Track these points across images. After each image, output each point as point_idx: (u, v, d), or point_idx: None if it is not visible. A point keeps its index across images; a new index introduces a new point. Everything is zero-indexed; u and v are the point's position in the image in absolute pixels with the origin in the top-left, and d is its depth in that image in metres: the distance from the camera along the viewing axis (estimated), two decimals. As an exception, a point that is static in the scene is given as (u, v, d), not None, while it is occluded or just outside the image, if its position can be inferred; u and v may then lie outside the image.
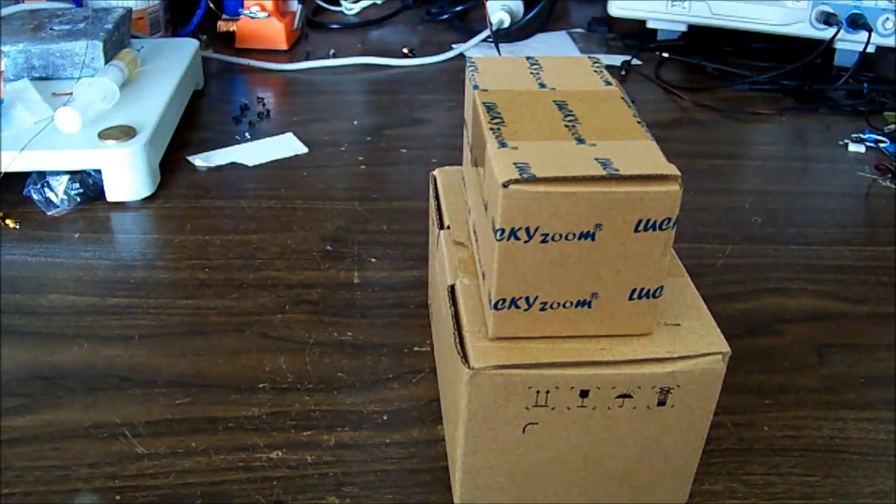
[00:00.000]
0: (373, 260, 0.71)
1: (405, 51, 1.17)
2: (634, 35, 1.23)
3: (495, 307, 0.41)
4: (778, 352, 0.61)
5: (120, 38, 0.93)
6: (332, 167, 0.86)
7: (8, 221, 0.74)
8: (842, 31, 1.03)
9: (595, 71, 0.49)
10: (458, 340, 0.42)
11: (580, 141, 0.40)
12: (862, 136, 0.94)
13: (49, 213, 0.76)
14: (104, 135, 0.77)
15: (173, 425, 0.53)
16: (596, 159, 0.38)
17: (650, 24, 1.19)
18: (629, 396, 0.41)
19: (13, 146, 0.74)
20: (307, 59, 1.15)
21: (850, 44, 1.06)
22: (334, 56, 1.16)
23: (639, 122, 0.43)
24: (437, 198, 0.55)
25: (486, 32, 1.18)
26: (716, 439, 0.52)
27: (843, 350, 0.62)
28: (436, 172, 0.58)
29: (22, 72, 0.87)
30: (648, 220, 0.38)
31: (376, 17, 1.32)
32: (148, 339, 0.60)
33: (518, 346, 0.41)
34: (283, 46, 1.17)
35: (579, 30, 1.29)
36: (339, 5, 1.34)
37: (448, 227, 0.51)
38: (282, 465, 0.50)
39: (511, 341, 0.42)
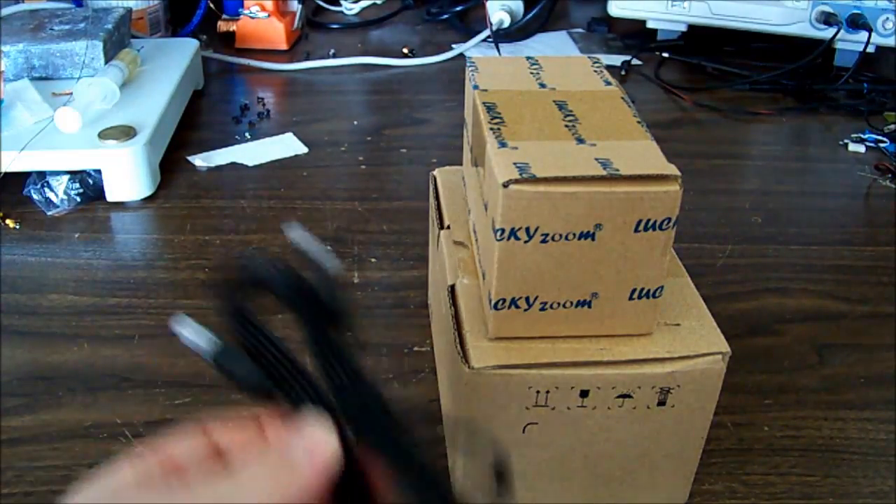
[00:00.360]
0: (373, 260, 0.70)
1: (405, 51, 1.17)
2: (634, 35, 1.23)
3: (495, 307, 0.40)
4: (778, 352, 0.61)
5: (120, 38, 0.93)
6: (332, 167, 0.86)
7: (8, 221, 0.74)
8: (842, 31, 1.03)
9: (595, 71, 0.49)
10: (458, 340, 0.42)
11: (580, 141, 0.40)
12: (862, 136, 0.94)
13: (49, 213, 0.76)
14: (104, 135, 0.77)
15: (173, 425, 0.53)
16: (596, 159, 0.38)
17: (650, 24, 1.19)
18: (629, 396, 0.41)
19: (13, 146, 0.74)
20: (307, 59, 1.15)
21: (850, 44, 1.06)
22: (334, 56, 1.16)
23: (639, 122, 0.43)
24: (437, 198, 0.55)
25: (486, 32, 1.18)
26: (716, 439, 0.52)
27: (843, 350, 0.62)
28: (436, 172, 0.58)
29: (22, 72, 0.87)
30: (648, 220, 0.38)
31: (376, 17, 1.32)
32: (148, 339, 0.60)
33: (518, 346, 0.41)
34: (283, 46, 1.17)
35: (579, 30, 1.29)
36: (339, 5, 1.34)
37: (448, 227, 0.51)
38: (282, 465, 0.50)
39: (511, 341, 0.42)
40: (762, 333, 0.63)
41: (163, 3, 1.12)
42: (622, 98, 0.45)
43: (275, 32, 1.17)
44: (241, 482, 0.28)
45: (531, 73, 0.48)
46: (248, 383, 0.31)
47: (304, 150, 0.89)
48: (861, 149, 0.92)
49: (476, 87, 0.46)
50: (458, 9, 1.29)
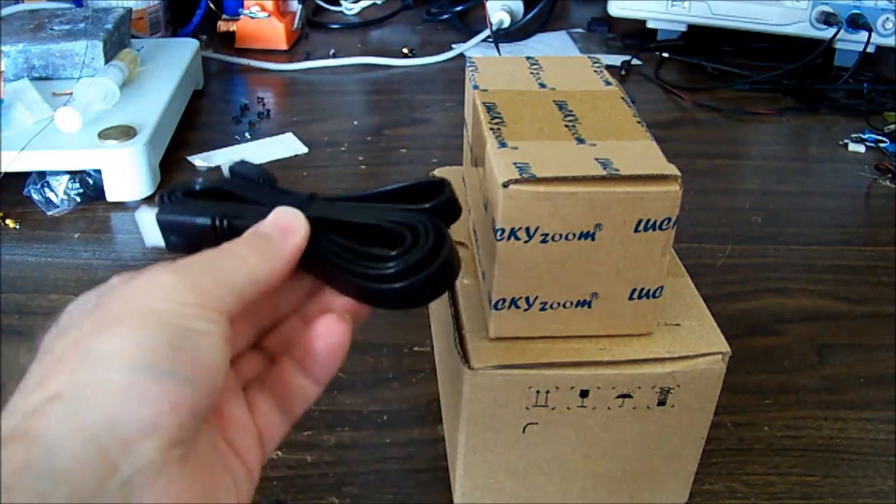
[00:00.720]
0: (373, 260, 0.70)
1: (405, 51, 1.17)
2: (634, 35, 1.23)
3: (495, 307, 0.40)
4: (778, 352, 0.61)
5: (120, 38, 0.93)
6: (332, 167, 0.86)
7: (8, 221, 0.74)
8: (842, 31, 1.03)
9: (595, 71, 0.49)
10: (458, 340, 0.42)
11: (580, 141, 0.40)
12: (862, 136, 0.94)
13: (49, 213, 0.76)
14: (104, 135, 0.77)
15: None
16: (596, 159, 0.38)
17: (650, 24, 1.19)
18: (629, 396, 0.41)
19: (13, 146, 0.74)
20: (307, 59, 1.15)
21: (850, 44, 1.06)
22: (334, 56, 1.16)
23: (639, 122, 0.43)
24: (437, 198, 0.55)
25: (486, 32, 1.18)
26: (716, 439, 0.52)
27: (843, 350, 0.62)
28: (436, 172, 0.58)
29: (22, 72, 0.87)
30: (648, 220, 0.38)
31: (376, 17, 1.32)
32: (148, 339, 0.60)
33: (518, 346, 0.41)
34: (283, 46, 1.17)
35: (579, 30, 1.29)
36: (339, 5, 1.34)
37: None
38: (282, 466, 0.50)
39: (511, 341, 0.42)
40: (762, 333, 0.63)
41: (163, 3, 1.12)
42: (622, 98, 0.46)
43: (275, 32, 1.17)
44: (230, 253, 0.30)
45: (531, 73, 0.48)
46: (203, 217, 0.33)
47: (304, 150, 0.89)
48: (861, 149, 0.92)
49: (476, 87, 0.46)
50: (458, 9, 1.29)
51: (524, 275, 0.39)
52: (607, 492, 0.46)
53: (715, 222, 0.78)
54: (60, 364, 0.26)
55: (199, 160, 0.86)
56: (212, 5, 1.18)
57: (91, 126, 0.78)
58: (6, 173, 0.75)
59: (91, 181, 0.78)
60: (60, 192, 0.77)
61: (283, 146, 0.90)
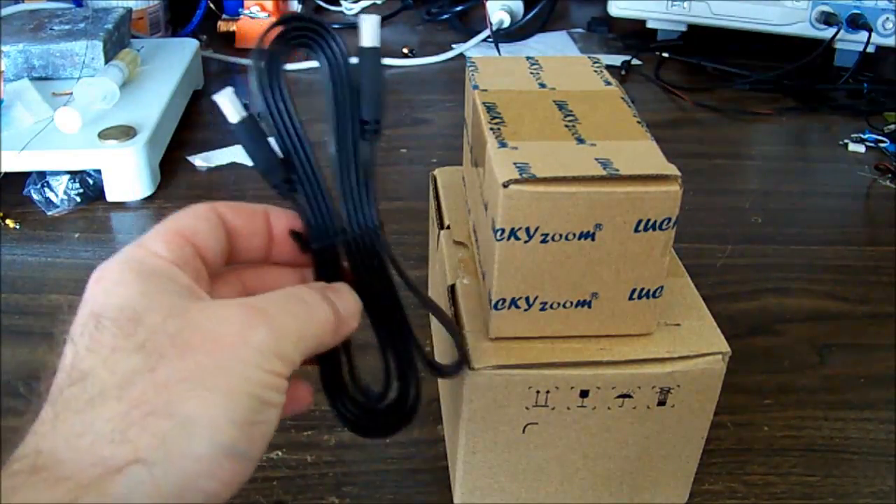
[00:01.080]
0: (373, 260, 0.70)
1: (405, 51, 1.17)
2: (634, 35, 1.23)
3: (495, 307, 0.40)
4: (778, 352, 0.61)
5: (120, 38, 0.93)
6: (332, 167, 0.86)
7: (8, 221, 0.74)
8: (842, 31, 1.03)
9: (595, 71, 0.49)
10: (458, 340, 0.42)
11: (580, 141, 0.40)
12: (862, 136, 0.94)
13: (49, 213, 0.76)
14: (104, 135, 0.77)
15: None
16: (596, 159, 0.38)
17: (650, 24, 1.19)
18: (629, 396, 0.41)
19: (13, 146, 0.74)
20: (307, 59, 1.15)
21: (850, 44, 1.06)
22: (334, 56, 1.16)
23: (639, 122, 0.43)
24: (437, 198, 0.55)
25: (486, 32, 1.18)
26: (716, 439, 0.52)
27: (843, 350, 0.62)
28: (436, 172, 0.58)
29: (22, 72, 0.87)
30: (648, 220, 0.38)
31: (376, 17, 1.32)
32: (148, 339, 0.60)
33: (518, 346, 0.41)
34: (283, 46, 1.17)
35: (579, 30, 1.29)
36: (339, 5, 1.34)
37: (448, 227, 0.51)
38: (282, 466, 0.50)
39: (511, 341, 0.42)
40: (762, 333, 0.63)
41: (163, 3, 1.12)
42: (622, 98, 0.45)
43: (275, 32, 1.16)
44: (311, 309, 0.31)
45: (531, 73, 0.48)
46: (262, 167, 0.34)
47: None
48: (861, 149, 0.92)
49: (476, 87, 0.46)
50: (458, 9, 1.29)
51: (524, 275, 0.39)
52: (607, 492, 0.46)
53: (715, 222, 0.78)
54: (146, 416, 0.25)
55: (199, 160, 0.86)
56: (212, 5, 1.18)
57: (91, 126, 0.78)
58: (6, 173, 0.75)
59: (91, 181, 0.78)
60: (60, 192, 0.77)
61: (283, 146, 0.90)
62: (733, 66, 1.10)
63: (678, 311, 0.44)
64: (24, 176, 0.77)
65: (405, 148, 0.91)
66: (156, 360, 0.26)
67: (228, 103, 0.33)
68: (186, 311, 0.28)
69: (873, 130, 0.95)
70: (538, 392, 0.41)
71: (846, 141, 0.94)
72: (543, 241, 0.38)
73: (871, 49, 1.03)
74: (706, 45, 1.16)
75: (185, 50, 0.99)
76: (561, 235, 0.38)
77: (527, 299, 0.40)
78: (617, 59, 1.14)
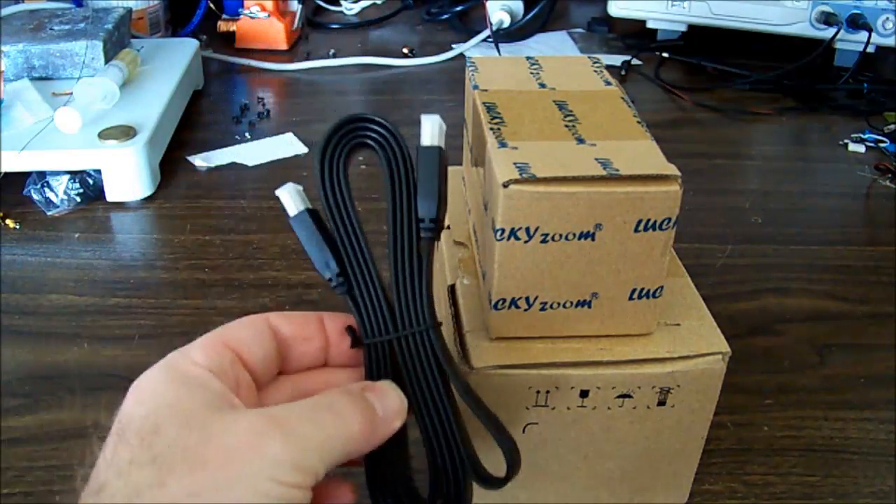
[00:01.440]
0: (373, 260, 0.70)
1: (405, 51, 1.17)
2: (634, 35, 1.23)
3: (495, 307, 0.40)
4: (778, 352, 0.61)
5: (120, 38, 0.93)
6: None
7: (8, 221, 0.74)
8: (842, 31, 1.03)
9: (595, 71, 0.49)
10: (458, 340, 0.42)
11: (580, 141, 0.40)
12: (862, 136, 0.94)
13: (49, 213, 0.76)
14: (104, 135, 0.77)
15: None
16: (596, 159, 0.38)
17: (650, 24, 1.19)
18: (629, 396, 0.41)
19: (13, 146, 0.74)
20: (307, 59, 1.15)
21: (850, 44, 1.06)
22: (334, 56, 1.16)
23: (639, 122, 0.43)
24: (437, 198, 0.55)
25: (486, 32, 1.18)
26: (716, 439, 0.52)
27: (843, 350, 0.62)
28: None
29: (22, 72, 0.87)
30: (648, 220, 0.38)
31: (376, 17, 1.32)
32: (148, 339, 0.60)
33: (518, 346, 0.41)
34: (283, 46, 1.17)
35: (579, 30, 1.29)
36: (339, 5, 1.34)
37: (448, 227, 0.51)
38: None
39: (511, 341, 0.42)
40: (762, 333, 0.63)
41: (163, 3, 1.12)
42: (622, 98, 0.45)
43: (275, 32, 1.17)
44: (336, 414, 0.30)
45: (531, 73, 0.48)
46: (318, 262, 0.34)
47: (304, 150, 0.89)
48: (861, 149, 0.92)
49: (476, 87, 0.46)
50: (458, 9, 1.29)
51: (524, 275, 0.39)
52: (607, 492, 0.46)
53: (715, 222, 0.78)
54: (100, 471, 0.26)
55: (199, 160, 0.86)
56: (212, 5, 1.18)
57: (91, 126, 0.78)
58: (6, 173, 0.75)
59: (91, 181, 0.78)
60: (60, 192, 0.77)
61: (283, 146, 0.90)
62: (733, 66, 1.10)
63: (678, 311, 0.44)
64: (24, 176, 0.77)
65: (405, 148, 0.90)
66: (166, 474, 0.26)
67: (289, 197, 0.34)
68: (206, 422, 0.28)
69: (873, 130, 0.95)
70: (538, 392, 0.41)
71: (846, 141, 0.94)
72: (543, 241, 0.38)
73: (871, 49, 1.03)
74: (706, 45, 1.16)
75: (185, 50, 0.99)
76: (561, 235, 0.38)
77: (527, 299, 0.40)
78: (617, 59, 1.14)
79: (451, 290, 0.46)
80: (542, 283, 0.40)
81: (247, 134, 0.92)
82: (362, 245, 0.34)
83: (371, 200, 0.80)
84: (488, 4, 1.19)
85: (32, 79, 0.87)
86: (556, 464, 0.44)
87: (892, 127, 0.96)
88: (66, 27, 0.90)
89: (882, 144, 0.93)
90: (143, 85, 0.89)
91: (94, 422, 0.53)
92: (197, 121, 0.96)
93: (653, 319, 0.42)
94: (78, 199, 0.77)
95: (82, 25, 0.91)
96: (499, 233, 0.38)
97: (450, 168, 0.57)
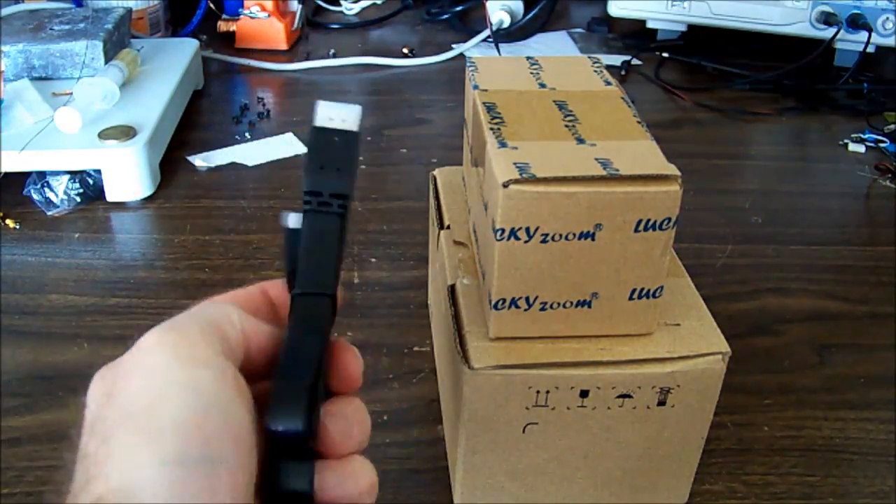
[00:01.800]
0: (373, 260, 0.70)
1: (405, 51, 1.17)
2: (634, 35, 1.23)
3: (495, 307, 0.40)
4: (778, 352, 0.61)
5: (120, 38, 0.93)
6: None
7: (8, 221, 0.74)
8: (842, 31, 1.03)
9: (595, 71, 0.49)
10: (458, 340, 0.42)
11: (580, 141, 0.40)
12: (862, 136, 0.94)
13: (49, 213, 0.76)
14: (104, 135, 0.77)
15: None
16: (596, 159, 0.38)
17: (650, 24, 1.19)
18: (629, 396, 0.41)
19: (13, 146, 0.74)
20: (307, 59, 1.15)
21: (850, 44, 1.06)
22: (334, 56, 1.16)
23: (639, 122, 0.43)
24: (437, 198, 0.55)
25: (486, 32, 1.18)
26: (716, 439, 0.52)
27: (843, 350, 0.62)
28: (436, 172, 0.58)
29: (22, 72, 0.87)
30: (648, 220, 0.38)
31: (376, 17, 1.32)
32: (148, 339, 0.60)
33: (518, 346, 0.41)
34: (283, 46, 1.17)
35: (579, 30, 1.29)
36: (339, 5, 1.34)
37: (448, 227, 0.51)
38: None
39: (511, 341, 0.42)
40: (762, 333, 0.63)
41: (163, 3, 1.12)
42: (622, 98, 0.46)
43: (275, 32, 1.17)
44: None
45: (531, 73, 0.48)
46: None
47: (304, 150, 0.89)
48: (861, 149, 0.92)
49: (476, 87, 0.46)
50: (458, 9, 1.29)
51: (524, 275, 0.39)
52: (607, 492, 0.46)
53: (715, 222, 0.78)
54: (97, 465, 0.26)
55: (199, 160, 0.86)
56: (212, 5, 1.18)
57: (91, 126, 0.78)
58: (6, 173, 0.75)
59: (91, 181, 0.78)
60: (60, 192, 0.77)
61: (283, 146, 0.90)
62: (733, 66, 1.10)
63: (678, 311, 0.44)
64: (24, 176, 0.77)
65: (405, 148, 0.91)
66: (99, 420, 0.28)
67: (296, 218, 0.35)
68: (118, 372, 0.30)
69: (873, 130, 0.95)
70: (538, 392, 0.41)
71: (846, 141, 0.94)
72: (543, 241, 0.38)
73: (871, 49, 1.03)
74: (706, 45, 1.16)
75: (185, 50, 0.99)
76: (561, 235, 0.38)
77: (527, 299, 0.40)
78: (617, 59, 1.14)
79: (451, 290, 0.46)
80: (542, 283, 0.40)
81: (247, 134, 0.92)
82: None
83: (371, 200, 0.80)
84: (488, 4, 1.19)
85: (32, 79, 0.87)
86: (556, 464, 0.44)
87: (892, 127, 0.96)
88: (66, 27, 0.90)
89: (882, 144, 0.93)
90: (143, 85, 0.89)
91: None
92: (197, 121, 0.96)
93: (653, 319, 0.42)
94: (78, 199, 0.77)
95: (82, 25, 0.91)
96: (499, 233, 0.38)
97: (450, 168, 0.57)
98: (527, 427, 0.42)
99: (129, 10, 0.98)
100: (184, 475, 0.25)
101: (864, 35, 1.02)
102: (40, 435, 0.52)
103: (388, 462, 0.51)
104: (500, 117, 0.43)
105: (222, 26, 1.18)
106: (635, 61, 1.14)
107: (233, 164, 0.86)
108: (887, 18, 1.03)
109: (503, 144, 0.40)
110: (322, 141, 0.36)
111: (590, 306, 0.41)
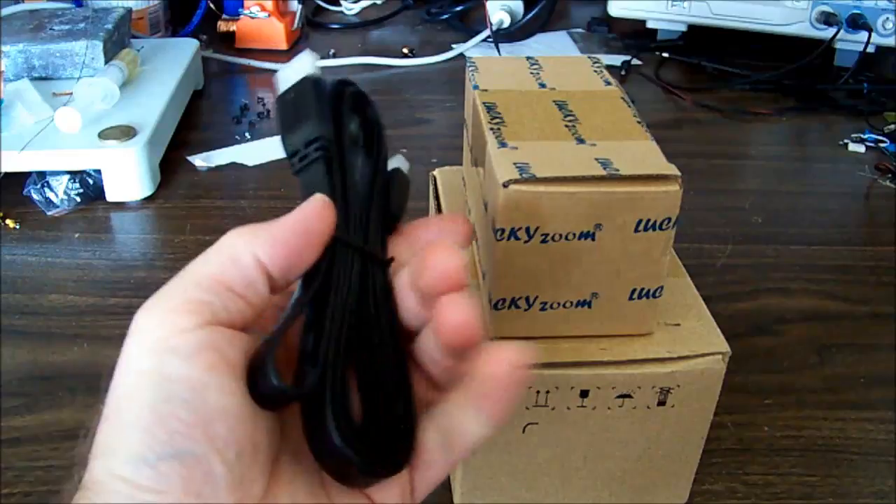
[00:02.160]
0: (373, 260, 0.70)
1: (405, 51, 1.17)
2: (634, 35, 1.23)
3: (495, 307, 0.40)
4: (778, 352, 0.61)
5: (120, 38, 0.93)
6: None
7: (8, 221, 0.74)
8: (842, 31, 1.03)
9: (595, 71, 0.49)
10: (458, 340, 0.42)
11: (580, 141, 0.40)
12: (862, 136, 0.94)
13: (49, 213, 0.76)
14: (104, 135, 0.77)
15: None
16: (596, 159, 0.38)
17: (650, 24, 1.19)
18: (629, 396, 0.41)
19: (13, 146, 0.74)
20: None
21: (850, 44, 1.05)
22: (334, 56, 1.16)
23: (639, 122, 0.43)
24: (437, 198, 0.55)
25: (486, 32, 1.18)
26: (716, 439, 0.52)
27: (844, 350, 0.62)
28: (436, 172, 0.58)
29: (22, 72, 0.87)
30: (648, 220, 0.38)
31: (376, 17, 1.32)
32: (148, 339, 0.60)
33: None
34: (283, 46, 1.17)
35: (579, 30, 1.29)
36: (339, 5, 1.34)
37: (448, 227, 0.51)
38: (282, 465, 0.50)
39: (511, 341, 0.41)
40: (762, 333, 0.63)
41: (163, 3, 1.12)
42: (622, 98, 0.45)
43: (275, 32, 1.17)
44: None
45: (531, 73, 0.48)
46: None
47: (304, 150, 0.89)
48: (861, 149, 0.92)
49: (476, 87, 0.46)
50: (458, 9, 1.29)
51: (524, 275, 0.39)
52: (607, 492, 0.46)
53: (715, 222, 0.78)
54: (91, 452, 0.26)
55: (199, 160, 0.86)
56: (212, 5, 1.18)
57: (91, 126, 0.78)
58: (6, 173, 0.75)
59: (91, 181, 0.78)
60: (60, 192, 0.77)
61: (283, 146, 0.90)
62: (733, 66, 1.10)
63: (678, 311, 0.44)
64: (24, 176, 0.77)
65: (405, 148, 0.90)
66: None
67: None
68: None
69: (873, 130, 0.95)
70: (538, 392, 0.41)
71: (846, 141, 0.94)
72: (543, 241, 0.38)
73: (871, 49, 1.03)
74: (706, 45, 1.16)
75: (185, 50, 0.99)
76: (561, 235, 0.38)
77: (527, 299, 0.40)
78: (617, 59, 1.14)
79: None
80: (542, 283, 0.40)
81: (247, 134, 0.92)
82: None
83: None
84: (488, 4, 1.19)
85: (32, 79, 0.87)
86: (556, 464, 0.44)
87: (892, 127, 0.96)
88: (66, 27, 0.90)
89: (882, 144, 0.93)
90: (143, 85, 0.88)
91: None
92: (197, 121, 0.96)
93: (653, 319, 0.42)
94: (78, 199, 0.77)
95: (82, 25, 0.91)
96: (499, 233, 0.38)
97: (450, 168, 0.57)
98: (527, 427, 0.42)
99: (129, 10, 0.98)
100: (150, 473, 0.24)
101: (864, 35, 1.02)
102: (40, 435, 0.52)
103: (388, 462, 0.51)
104: (500, 117, 0.43)
105: (222, 26, 1.18)
106: (635, 61, 1.14)
107: (233, 164, 0.86)
108: (887, 18, 1.03)
109: (503, 144, 0.40)
110: (286, 104, 0.35)
111: (590, 306, 0.41)
